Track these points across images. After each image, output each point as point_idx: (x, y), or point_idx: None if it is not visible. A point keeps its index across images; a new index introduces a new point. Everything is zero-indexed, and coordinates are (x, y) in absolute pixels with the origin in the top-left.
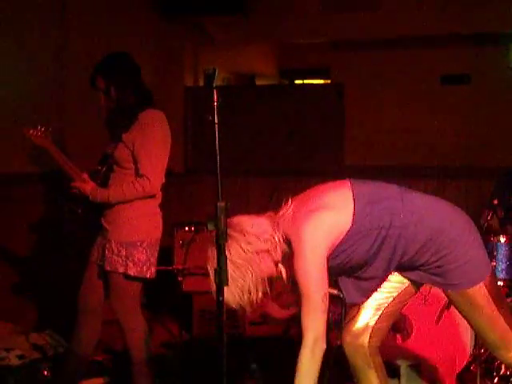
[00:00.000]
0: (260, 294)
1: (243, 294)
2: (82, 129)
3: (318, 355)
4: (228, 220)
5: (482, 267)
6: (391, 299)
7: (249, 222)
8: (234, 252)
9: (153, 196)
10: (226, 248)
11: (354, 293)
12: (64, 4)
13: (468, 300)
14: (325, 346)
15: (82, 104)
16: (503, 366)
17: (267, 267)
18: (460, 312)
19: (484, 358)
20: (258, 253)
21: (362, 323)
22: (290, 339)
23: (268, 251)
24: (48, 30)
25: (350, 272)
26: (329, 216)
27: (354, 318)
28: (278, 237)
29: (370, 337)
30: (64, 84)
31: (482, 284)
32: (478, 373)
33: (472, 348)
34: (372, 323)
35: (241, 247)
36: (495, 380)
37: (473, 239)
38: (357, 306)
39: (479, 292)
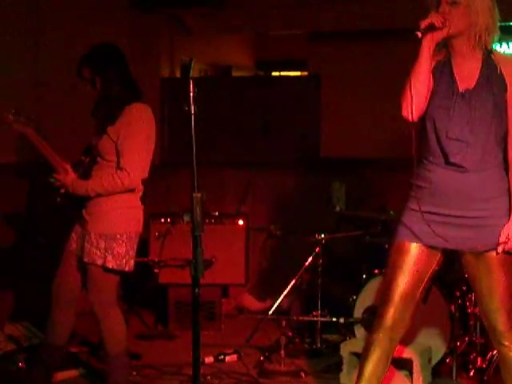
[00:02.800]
0: None
1: None
2: (60, 120)
3: None
4: None
5: None
6: None
7: None
8: None
9: (133, 190)
10: None
11: None
12: None
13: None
14: None
15: (59, 93)
16: (479, 359)
17: None
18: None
19: (460, 351)
20: None
21: None
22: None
23: None
24: (23, 20)
25: None
26: None
27: None
28: None
29: None
30: (40, 75)
31: None
32: (454, 365)
33: (448, 341)
34: None
35: None
36: (471, 373)
37: None
38: None
39: None
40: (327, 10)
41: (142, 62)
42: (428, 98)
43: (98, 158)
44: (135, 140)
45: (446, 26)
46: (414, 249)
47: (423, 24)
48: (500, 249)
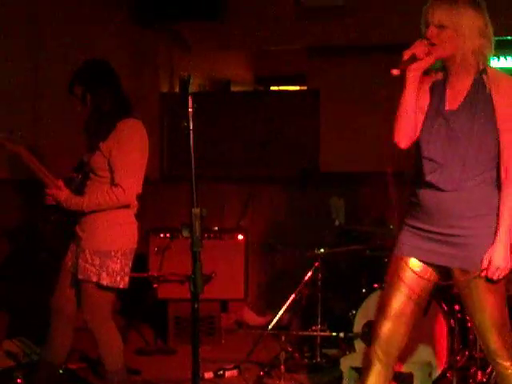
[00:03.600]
0: None
1: None
2: (57, 135)
3: None
4: None
5: None
6: None
7: None
8: None
9: (127, 206)
10: None
11: None
12: (38, 10)
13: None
14: None
15: (56, 109)
16: (479, 373)
17: None
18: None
19: (460, 365)
20: None
21: None
22: None
23: None
24: (22, 36)
25: None
26: None
27: None
28: None
29: None
30: (38, 89)
31: None
32: (454, 380)
33: (448, 355)
34: None
35: None
36: None
37: None
38: None
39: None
40: (326, 24)
41: (142, 77)
42: (421, 122)
43: (91, 174)
44: (128, 156)
45: (430, 54)
46: (410, 264)
47: (406, 55)
48: (482, 274)
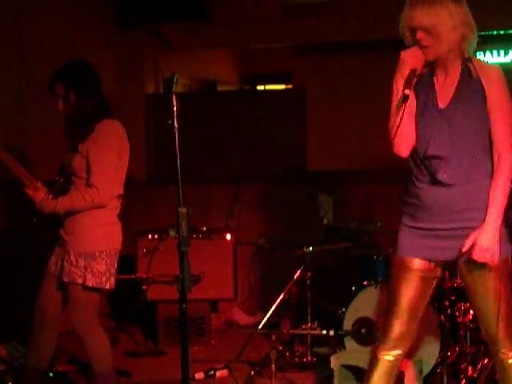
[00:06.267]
0: None
1: None
2: (42, 137)
3: None
4: None
5: None
6: None
7: None
8: None
9: (103, 206)
10: None
11: None
12: (22, 13)
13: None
14: None
15: (41, 111)
16: (470, 369)
17: None
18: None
19: (451, 361)
20: None
21: None
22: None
23: None
24: (6, 40)
25: None
26: None
27: None
28: None
29: None
30: (23, 92)
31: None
32: (445, 376)
33: (439, 351)
34: None
35: None
36: (462, 382)
37: None
38: None
39: None
40: (311, 22)
41: (127, 79)
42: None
43: (73, 177)
44: (104, 156)
45: (424, 57)
46: (415, 264)
47: (406, 67)
48: (465, 249)
